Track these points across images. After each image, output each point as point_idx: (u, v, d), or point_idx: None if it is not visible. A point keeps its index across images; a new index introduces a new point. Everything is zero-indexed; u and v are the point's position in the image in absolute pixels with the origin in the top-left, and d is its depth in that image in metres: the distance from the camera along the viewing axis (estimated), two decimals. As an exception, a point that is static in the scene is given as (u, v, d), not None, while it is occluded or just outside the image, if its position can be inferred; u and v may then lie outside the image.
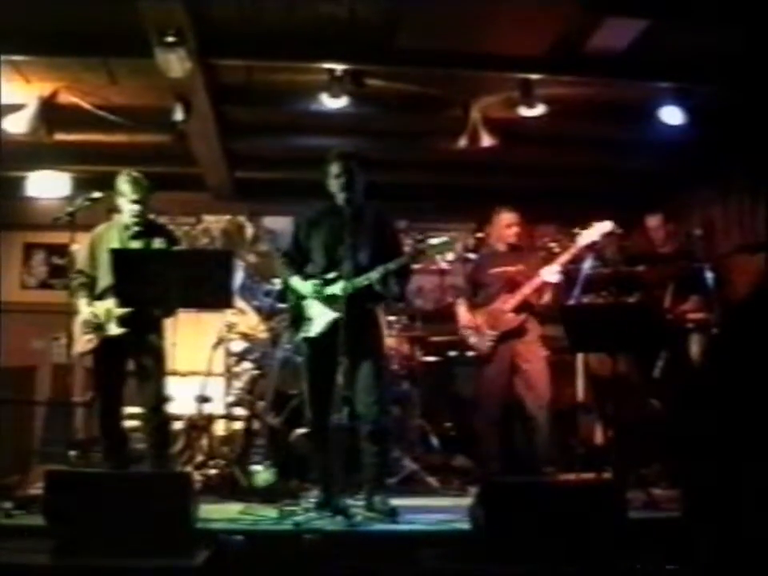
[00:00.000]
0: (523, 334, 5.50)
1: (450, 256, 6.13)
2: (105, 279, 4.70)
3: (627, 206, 6.69)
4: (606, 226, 5.40)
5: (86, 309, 4.74)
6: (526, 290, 5.46)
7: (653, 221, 5.95)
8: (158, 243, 4.85)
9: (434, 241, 4.48)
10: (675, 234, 5.97)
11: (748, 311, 2.24)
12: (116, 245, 4.77)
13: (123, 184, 4.80)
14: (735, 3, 4.73)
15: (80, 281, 4.85)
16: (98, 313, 4.70)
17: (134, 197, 4.78)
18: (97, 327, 4.70)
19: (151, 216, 5.01)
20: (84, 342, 4.75)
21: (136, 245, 4.83)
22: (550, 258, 5.61)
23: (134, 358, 4.79)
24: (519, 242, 5.76)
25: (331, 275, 4.40)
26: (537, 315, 5.57)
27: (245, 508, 4.49)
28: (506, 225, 5.69)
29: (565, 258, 5.44)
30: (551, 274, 5.40)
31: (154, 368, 4.75)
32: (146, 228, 4.88)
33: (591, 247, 5.47)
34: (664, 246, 5.91)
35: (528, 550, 3.53)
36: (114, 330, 4.67)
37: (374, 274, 4.31)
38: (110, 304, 4.66)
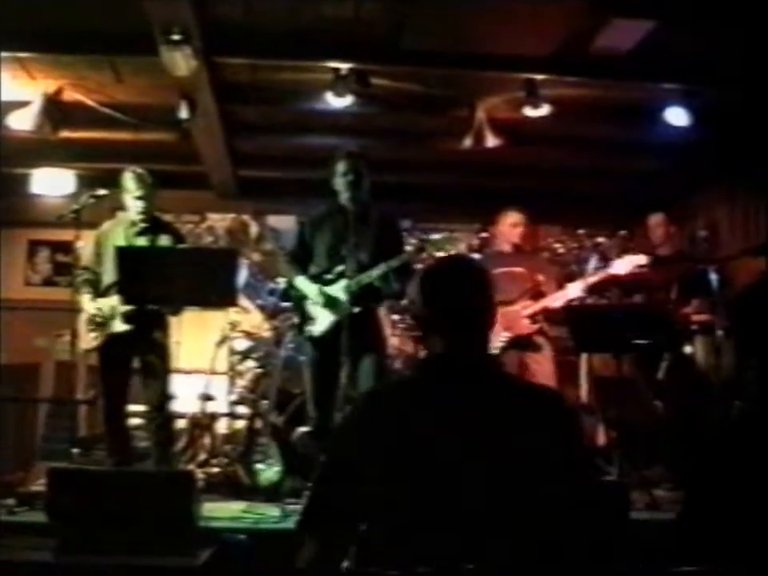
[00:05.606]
0: (532, 342, 5.42)
1: (454, 256, 6.11)
2: (109, 276, 4.71)
3: (632, 208, 6.68)
4: (639, 259, 5.32)
5: (90, 305, 4.75)
6: (549, 301, 5.38)
7: (653, 219, 5.95)
8: (163, 240, 4.85)
9: (434, 236, 4.50)
10: (676, 235, 5.96)
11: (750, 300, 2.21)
12: (122, 242, 4.77)
13: (128, 181, 4.81)
14: (741, 4, 4.72)
15: (85, 277, 4.86)
16: (102, 309, 4.71)
17: (139, 193, 4.80)
18: (102, 324, 4.70)
19: (156, 214, 5.01)
20: (90, 339, 4.76)
21: (142, 242, 4.83)
22: (554, 258, 5.59)
23: (139, 356, 4.79)
24: (524, 243, 5.74)
25: (333, 274, 4.41)
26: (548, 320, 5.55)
27: (247, 507, 4.49)
28: (511, 225, 5.67)
29: (594, 279, 5.36)
30: (577, 290, 5.37)
31: (159, 366, 4.75)
32: (152, 225, 4.89)
33: (626, 277, 5.42)
34: (663, 245, 5.90)
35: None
36: (119, 326, 4.67)
37: (376, 271, 4.33)
38: (114, 301, 4.66)
